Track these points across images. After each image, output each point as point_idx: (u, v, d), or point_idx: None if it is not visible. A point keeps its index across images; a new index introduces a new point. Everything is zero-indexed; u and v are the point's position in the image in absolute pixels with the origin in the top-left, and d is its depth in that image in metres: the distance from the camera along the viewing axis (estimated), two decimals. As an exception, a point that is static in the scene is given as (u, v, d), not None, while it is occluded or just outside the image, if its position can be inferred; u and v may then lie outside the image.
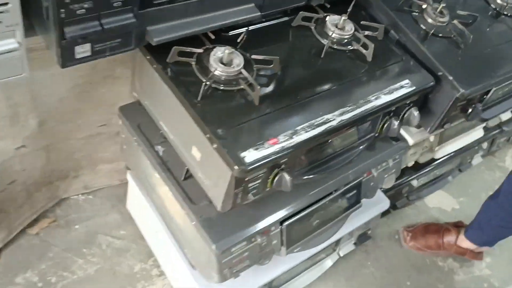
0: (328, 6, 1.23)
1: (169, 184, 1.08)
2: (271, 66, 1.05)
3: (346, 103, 1.05)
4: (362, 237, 1.50)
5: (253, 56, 1.03)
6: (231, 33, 1.09)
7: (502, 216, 1.46)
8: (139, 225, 1.39)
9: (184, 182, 1.09)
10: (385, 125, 1.16)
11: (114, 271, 1.33)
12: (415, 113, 1.19)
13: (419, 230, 1.64)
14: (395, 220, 1.70)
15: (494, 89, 1.28)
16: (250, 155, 0.89)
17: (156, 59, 1.00)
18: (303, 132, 0.97)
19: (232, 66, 1.00)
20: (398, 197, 1.63)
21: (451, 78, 1.19)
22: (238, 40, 1.05)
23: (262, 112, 0.98)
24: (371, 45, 1.14)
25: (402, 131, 1.35)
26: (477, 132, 1.64)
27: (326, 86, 1.07)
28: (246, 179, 0.92)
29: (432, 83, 1.17)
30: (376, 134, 1.18)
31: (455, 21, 1.29)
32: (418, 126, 1.35)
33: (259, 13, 1.03)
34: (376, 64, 1.16)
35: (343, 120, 1.02)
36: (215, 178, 0.96)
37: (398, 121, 1.17)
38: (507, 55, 1.31)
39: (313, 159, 1.07)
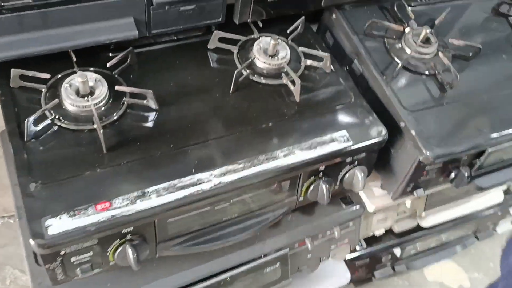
0: (261, 25, 0.96)
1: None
2: (146, 101, 0.81)
3: (238, 158, 0.78)
4: (314, 314, 1.19)
5: (118, 88, 0.79)
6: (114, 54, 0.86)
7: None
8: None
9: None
10: (311, 188, 0.87)
11: (9, 313, 1.17)
12: (360, 175, 0.88)
13: (402, 311, 1.29)
14: (376, 292, 1.36)
15: (490, 150, 0.93)
16: (58, 225, 0.66)
17: (0, 81, 0.80)
18: (154, 196, 0.71)
19: (86, 98, 0.78)
20: (376, 265, 1.29)
21: (413, 133, 0.86)
22: (108, 65, 0.82)
23: (109, 163, 0.74)
24: (298, 81, 0.85)
25: (361, 193, 1.03)
26: (494, 196, 1.26)
27: (220, 133, 0.81)
28: (62, 253, 0.70)
29: (382, 139, 0.85)
30: (301, 199, 0.89)
31: (440, 54, 0.95)
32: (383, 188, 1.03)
33: (136, 32, 0.80)
34: (309, 105, 0.88)
35: (222, 183, 0.75)
36: (36, 243, 0.75)
37: (332, 185, 0.87)
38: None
39: (193, 225, 0.82)
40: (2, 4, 0.71)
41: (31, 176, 0.70)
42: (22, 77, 0.79)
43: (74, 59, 0.81)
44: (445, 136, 0.87)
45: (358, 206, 1.00)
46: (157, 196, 0.71)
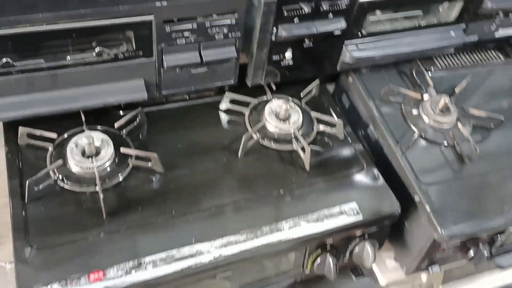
0: (274, 88, 0.94)
1: None
2: (151, 164, 0.79)
3: (240, 228, 0.75)
4: None
5: (123, 150, 0.78)
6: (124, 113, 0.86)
7: None
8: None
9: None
10: (317, 262, 0.83)
11: None
12: (370, 249, 0.83)
13: None
14: None
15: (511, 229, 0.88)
16: (48, 295, 0.65)
17: (9, 137, 0.81)
18: (150, 267, 0.69)
19: (91, 159, 0.77)
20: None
21: (428, 208, 0.82)
22: (117, 126, 0.81)
23: (108, 228, 0.72)
24: (308, 149, 0.83)
25: (373, 265, 0.98)
26: (518, 270, 1.18)
27: (223, 200, 0.78)
28: (51, 322, 0.67)
29: (394, 213, 0.81)
30: (307, 271, 0.85)
31: (459, 124, 0.91)
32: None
33: (145, 95, 0.79)
34: (319, 173, 0.85)
35: (222, 256, 0.71)
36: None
37: (340, 258, 0.83)
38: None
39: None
40: (14, 64, 0.71)
41: (27, 240, 0.69)
42: (30, 135, 0.79)
43: (83, 118, 0.81)
44: (463, 214, 0.82)
45: (369, 279, 0.95)
46: (153, 267, 0.69)
